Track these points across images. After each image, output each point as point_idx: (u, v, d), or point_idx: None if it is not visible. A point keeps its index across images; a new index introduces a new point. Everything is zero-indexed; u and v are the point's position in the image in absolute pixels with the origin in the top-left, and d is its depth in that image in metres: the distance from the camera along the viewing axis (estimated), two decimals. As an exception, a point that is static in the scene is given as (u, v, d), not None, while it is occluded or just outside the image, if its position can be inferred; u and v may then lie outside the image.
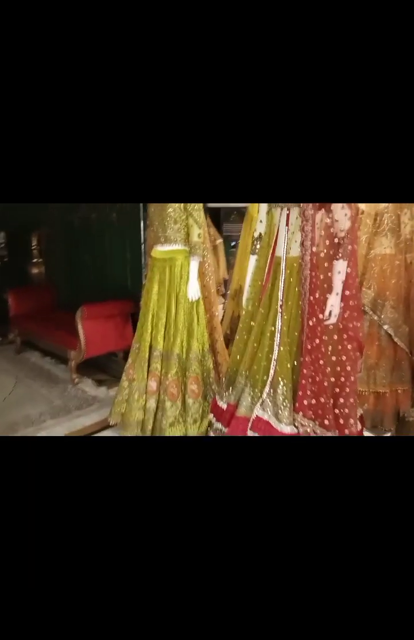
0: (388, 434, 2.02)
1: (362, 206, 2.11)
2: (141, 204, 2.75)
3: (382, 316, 2.05)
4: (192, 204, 1.90)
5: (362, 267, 2.07)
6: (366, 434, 1.70)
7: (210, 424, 1.87)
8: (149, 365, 2.12)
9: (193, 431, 2.00)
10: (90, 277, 3.51)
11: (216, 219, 3.95)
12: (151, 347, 2.12)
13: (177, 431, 2.01)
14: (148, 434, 2.04)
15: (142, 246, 2.85)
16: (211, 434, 1.86)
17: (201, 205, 1.93)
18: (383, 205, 2.07)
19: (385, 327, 2.04)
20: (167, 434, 1.98)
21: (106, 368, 3.34)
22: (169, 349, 2.07)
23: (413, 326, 2.06)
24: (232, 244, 5.35)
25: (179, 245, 2.00)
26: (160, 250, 2.05)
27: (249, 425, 1.48)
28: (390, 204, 2.04)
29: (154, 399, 2.07)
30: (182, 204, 1.92)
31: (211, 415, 1.84)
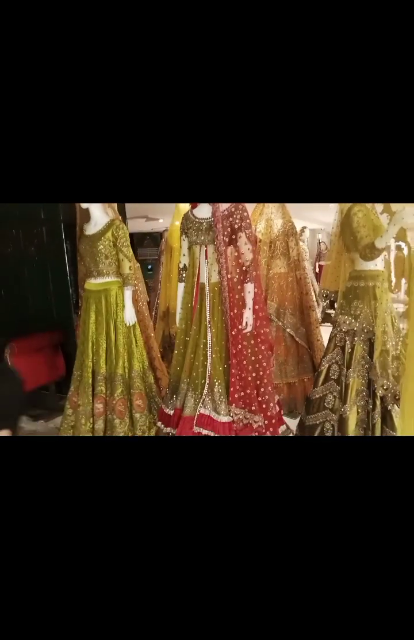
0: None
1: (259, 236, 2.72)
2: (64, 240, 3.03)
3: (284, 322, 2.66)
4: (121, 241, 2.28)
5: (265, 285, 2.65)
6: (285, 418, 2.20)
7: (158, 431, 2.20)
8: (93, 390, 2.36)
9: (144, 442, 2.30)
10: (8, 312, 3.57)
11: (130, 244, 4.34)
12: (93, 372, 2.36)
13: (128, 445, 2.30)
14: None
15: (69, 279, 3.10)
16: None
17: (129, 241, 2.33)
18: (275, 234, 2.70)
19: (288, 330, 2.65)
20: (120, 449, 2.25)
21: (37, 403, 3.42)
22: (113, 371, 2.35)
23: (308, 327, 2.72)
24: (149, 267, 5.72)
25: (112, 277, 2.34)
26: (94, 282, 2.36)
27: (195, 422, 1.87)
28: (280, 234, 2.69)
29: (101, 420, 2.30)
30: (111, 242, 2.29)
31: (159, 423, 2.17)
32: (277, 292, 2.68)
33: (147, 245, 5.54)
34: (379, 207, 1.88)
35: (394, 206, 1.74)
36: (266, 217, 2.67)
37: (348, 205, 1.93)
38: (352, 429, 1.90)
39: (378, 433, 1.85)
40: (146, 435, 2.32)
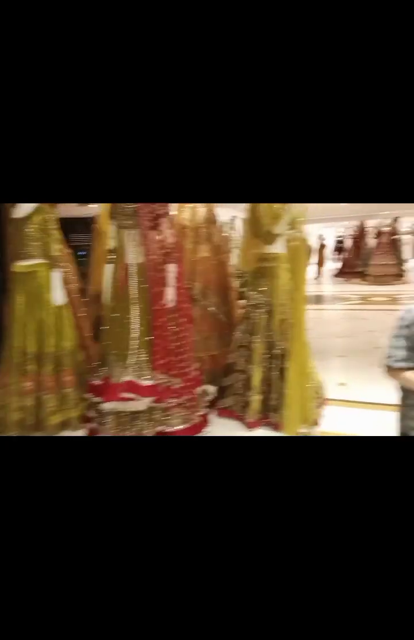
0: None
1: (186, 222, 3.03)
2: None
3: (208, 301, 3.03)
4: (49, 224, 2.45)
5: (191, 267, 2.98)
6: (208, 386, 2.56)
7: (89, 403, 2.43)
8: (23, 369, 2.51)
9: (73, 414, 2.48)
10: None
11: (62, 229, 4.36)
12: (23, 352, 2.51)
13: (58, 418, 2.45)
14: (29, 429, 2.42)
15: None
16: (91, 411, 2.44)
17: (57, 225, 2.51)
18: (199, 221, 3.03)
19: (211, 308, 3.02)
20: (49, 423, 2.42)
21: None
22: (42, 350, 2.52)
23: (229, 306, 3.12)
24: (82, 253, 5.75)
25: (40, 260, 2.51)
26: (23, 265, 2.51)
27: (121, 388, 2.15)
28: (204, 221, 3.02)
29: (31, 397, 2.44)
30: (39, 225, 2.45)
31: (88, 395, 2.40)
32: (202, 274, 3.03)
33: (79, 231, 5.58)
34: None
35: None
36: (191, 206, 2.99)
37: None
38: (256, 385, 2.31)
39: (276, 387, 2.27)
40: (75, 409, 2.52)
